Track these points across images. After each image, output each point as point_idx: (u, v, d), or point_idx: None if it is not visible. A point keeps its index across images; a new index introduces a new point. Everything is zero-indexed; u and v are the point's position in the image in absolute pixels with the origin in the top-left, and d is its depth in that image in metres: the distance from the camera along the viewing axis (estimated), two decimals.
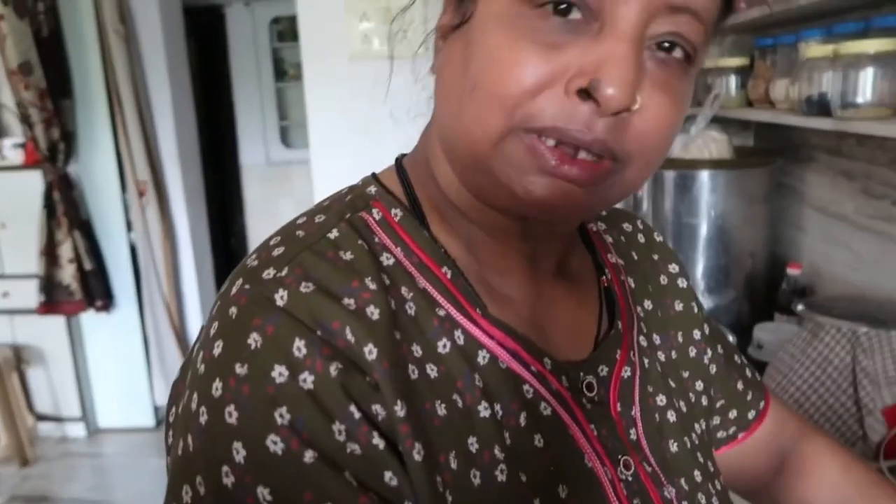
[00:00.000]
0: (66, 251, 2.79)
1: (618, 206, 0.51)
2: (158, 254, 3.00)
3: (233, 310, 0.37)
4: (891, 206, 1.21)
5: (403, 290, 0.40)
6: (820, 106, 1.11)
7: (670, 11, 0.37)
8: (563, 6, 0.36)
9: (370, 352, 0.36)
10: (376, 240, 0.42)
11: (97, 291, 2.87)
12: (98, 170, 2.92)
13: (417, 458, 0.35)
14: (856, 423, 1.02)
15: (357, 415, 0.35)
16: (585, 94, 0.37)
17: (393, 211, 0.43)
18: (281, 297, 0.37)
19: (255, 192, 4.28)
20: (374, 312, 0.38)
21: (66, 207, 2.76)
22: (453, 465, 0.36)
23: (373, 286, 0.38)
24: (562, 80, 0.37)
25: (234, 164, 4.28)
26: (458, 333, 0.40)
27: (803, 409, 1.06)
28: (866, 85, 1.01)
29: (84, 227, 2.87)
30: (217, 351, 0.36)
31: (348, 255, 0.40)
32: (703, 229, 1.53)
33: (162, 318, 3.02)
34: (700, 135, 1.54)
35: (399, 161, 0.48)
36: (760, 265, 1.57)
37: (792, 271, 1.45)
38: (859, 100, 1.02)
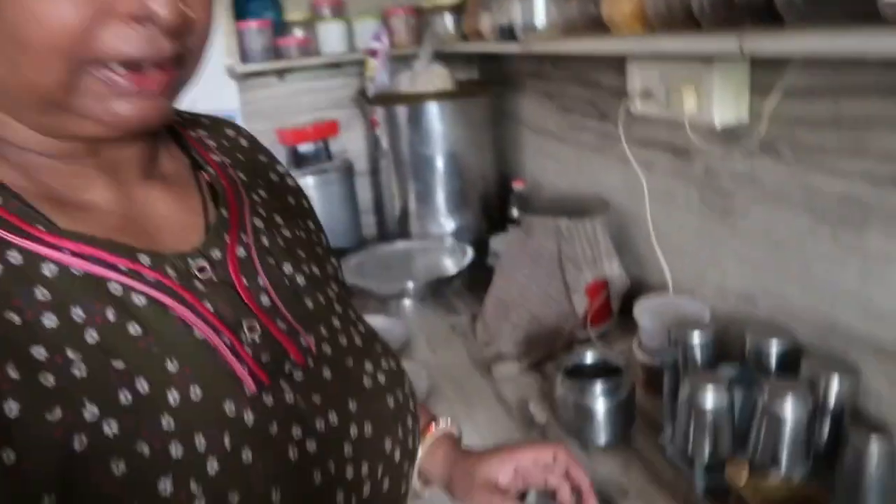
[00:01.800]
0: None
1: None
2: None
3: None
4: (581, 118, 1.42)
5: None
6: (510, 32, 1.25)
7: None
8: None
9: None
10: None
11: None
12: None
13: None
14: (567, 301, 1.21)
15: None
16: (141, 18, 0.39)
17: None
18: None
19: None
20: None
21: None
22: (13, 374, 0.37)
23: None
24: (112, 11, 0.39)
25: None
26: (11, 254, 0.40)
27: (526, 298, 1.22)
28: (540, 11, 1.16)
29: None
30: None
31: None
32: (438, 158, 1.65)
33: None
34: (424, 70, 1.65)
35: None
36: (492, 185, 1.74)
37: (517, 186, 1.63)
38: (537, 23, 1.17)
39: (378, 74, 1.73)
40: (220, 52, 1.68)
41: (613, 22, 1.00)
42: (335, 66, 1.88)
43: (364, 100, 1.82)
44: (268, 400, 0.46)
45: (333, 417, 0.49)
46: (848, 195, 0.81)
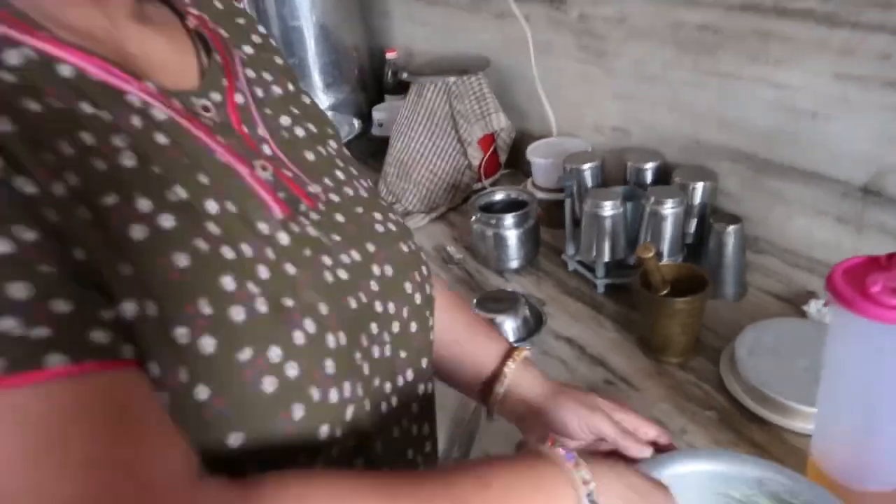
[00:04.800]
0: None
1: None
2: None
3: None
4: None
5: None
6: None
7: None
8: None
9: None
10: None
11: None
12: None
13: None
14: (461, 155, 1.30)
15: None
16: None
17: None
18: None
19: None
20: None
21: None
22: (68, 150, 0.36)
23: None
24: None
25: None
26: (25, 51, 0.38)
27: (424, 156, 1.29)
28: None
29: None
30: None
31: None
32: (309, 30, 1.62)
33: None
34: None
35: None
36: (365, 56, 1.75)
37: (390, 55, 1.65)
38: None
39: None
40: None
41: None
42: None
43: None
44: (294, 228, 0.46)
45: (356, 255, 0.49)
46: (705, 23, 0.95)
